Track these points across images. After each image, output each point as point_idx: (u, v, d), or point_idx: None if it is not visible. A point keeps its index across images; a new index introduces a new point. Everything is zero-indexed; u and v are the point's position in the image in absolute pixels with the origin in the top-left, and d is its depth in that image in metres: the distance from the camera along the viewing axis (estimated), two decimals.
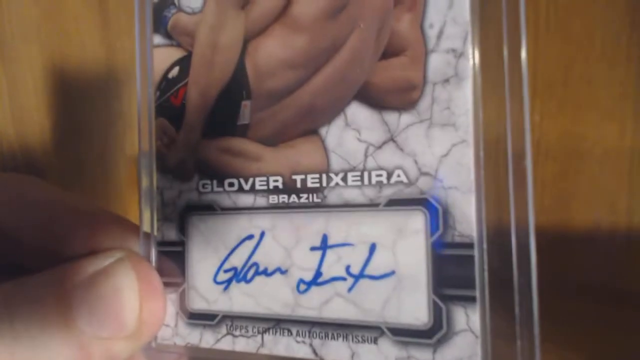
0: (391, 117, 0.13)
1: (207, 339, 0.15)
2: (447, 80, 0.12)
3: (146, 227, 0.16)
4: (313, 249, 0.14)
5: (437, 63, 0.13)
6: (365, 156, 0.13)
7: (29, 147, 0.41)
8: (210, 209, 0.15)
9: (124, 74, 0.41)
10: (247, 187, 0.15)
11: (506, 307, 0.12)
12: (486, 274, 0.12)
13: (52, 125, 0.41)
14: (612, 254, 0.39)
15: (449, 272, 0.12)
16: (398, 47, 0.13)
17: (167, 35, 0.16)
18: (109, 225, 0.16)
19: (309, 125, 0.14)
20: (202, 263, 0.15)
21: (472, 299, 0.12)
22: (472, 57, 0.12)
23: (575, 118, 0.38)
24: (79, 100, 0.42)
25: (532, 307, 0.12)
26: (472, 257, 0.12)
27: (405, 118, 0.13)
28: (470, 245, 0.12)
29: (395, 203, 0.13)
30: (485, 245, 0.12)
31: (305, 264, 0.14)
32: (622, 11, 0.36)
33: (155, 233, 0.16)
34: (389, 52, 0.13)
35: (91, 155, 0.41)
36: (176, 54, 0.16)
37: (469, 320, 0.12)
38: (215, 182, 0.15)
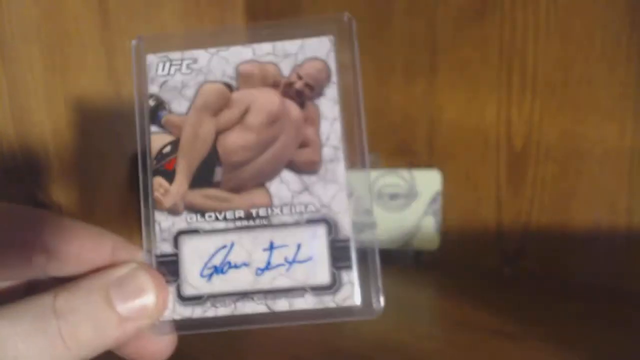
0: (305, 177, 0.25)
1: (197, 312, 0.24)
2: (332, 160, 0.25)
3: (148, 246, 0.25)
4: (264, 249, 0.25)
5: (326, 152, 0.25)
6: (292, 198, 0.25)
7: (29, 147, 0.41)
8: (195, 232, 0.25)
9: (123, 73, 0.42)
10: (220, 217, 0.25)
11: (365, 268, 0.25)
12: (354, 254, 0.25)
13: (52, 125, 0.42)
14: (612, 254, 0.39)
15: (338, 255, 0.25)
16: (306, 143, 0.26)
17: (161, 126, 0.26)
18: (122, 245, 0.24)
19: (258, 182, 0.25)
20: (191, 265, 0.25)
21: (350, 267, 0.25)
22: (344, 150, 0.25)
23: (575, 118, 0.37)
24: (79, 100, 0.42)
25: (376, 268, 0.25)
26: (348, 247, 0.25)
27: (312, 178, 0.25)
28: (347, 241, 0.25)
29: (310, 221, 0.25)
30: (353, 241, 0.25)
31: (260, 258, 0.25)
32: (622, 11, 0.36)
33: (157, 251, 0.25)
34: (302, 145, 0.26)
35: (91, 155, 0.42)
36: (167, 138, 0.26)
37: (350, 278, 0.25)
38: (198, 215, 0.25)
